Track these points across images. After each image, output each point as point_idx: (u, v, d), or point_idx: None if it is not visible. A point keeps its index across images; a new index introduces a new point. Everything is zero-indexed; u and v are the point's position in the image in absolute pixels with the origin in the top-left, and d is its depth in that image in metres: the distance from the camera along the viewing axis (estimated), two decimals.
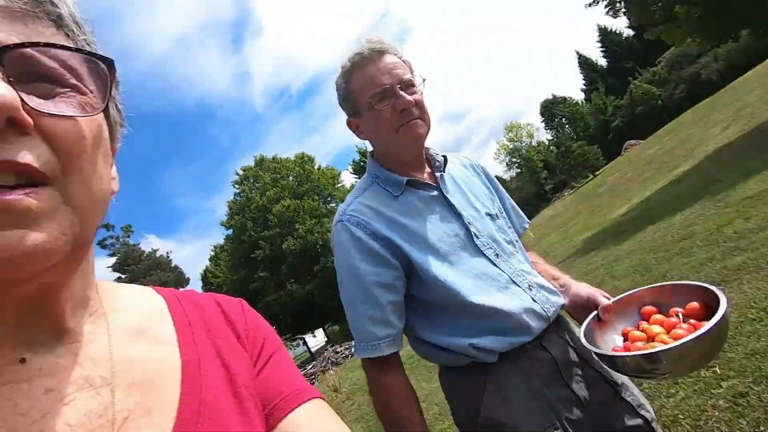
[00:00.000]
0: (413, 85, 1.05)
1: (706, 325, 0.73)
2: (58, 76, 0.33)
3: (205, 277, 37.31)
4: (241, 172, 30.15)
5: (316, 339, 40.15)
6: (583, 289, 1.09)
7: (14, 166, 0.28)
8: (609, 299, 1.01)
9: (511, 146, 49.62)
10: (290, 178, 29.41)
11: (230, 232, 29.38)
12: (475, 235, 1.06)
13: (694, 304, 0.85)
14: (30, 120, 0.29)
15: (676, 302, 0.90)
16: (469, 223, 1.08)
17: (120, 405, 0.36)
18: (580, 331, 0.93)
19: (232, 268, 28.84)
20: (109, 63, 0.35)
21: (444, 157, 1.16)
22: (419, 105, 1.04)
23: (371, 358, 0.96)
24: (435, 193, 1.09)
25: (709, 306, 0.82)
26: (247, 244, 26.76)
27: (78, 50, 0.34)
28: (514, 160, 49.97)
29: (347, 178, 33.92)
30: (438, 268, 0.99)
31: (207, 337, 0.46)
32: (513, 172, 52.00)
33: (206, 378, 0.42)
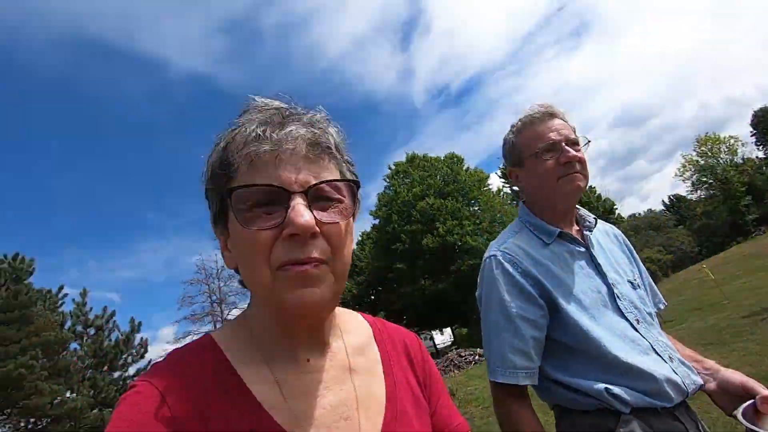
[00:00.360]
0: (577, 144, 1.15)
1: None
2: (331, 195, 0.53)
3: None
4: (393, 167, 32.07)
5: (443, 337, 40.49)
6: (736, 376, 1.06)
7: (315, 259, 0.49)
8: (764, 390, 0.98)
9: (701, 162, 40.98)
10: (438, 176, 30.04)
11: (377, 221, 31.62)
12: (618, 297, 1.10)
13: None
14: (317, 229, 0.50)
15: None
16: (613, 284, 1.11)
17: (362, 391, 0.57)
18: (737, 413, 0.91)
19: (374, 256, 31.01)
20: (357, 183, 0.56)
21: (595, 219, 1.24)
22: (581, 162, 1.13)
23: (506, 384, 1.01)
24: (582, 249, 1.16)
25: None
26: (390, 235, 28.40)
27: (342, 180, 0.54)
28: (705, 179, 41.19)
29: (494, 181, 33.07)
30: (581, 317, 1.03)
31: (397, 361, 0.65)
32: (702, 193, 43.01)
33: (400, 393, 0.60)
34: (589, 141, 1.19)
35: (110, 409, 16.74)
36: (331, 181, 0.51)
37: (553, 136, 1.12)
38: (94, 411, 16.07)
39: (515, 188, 1.27)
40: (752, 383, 1.01)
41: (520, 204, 1.26)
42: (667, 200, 52.94)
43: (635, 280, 1.20)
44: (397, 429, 0.57)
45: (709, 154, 40.82)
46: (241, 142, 0.50)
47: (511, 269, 1.07)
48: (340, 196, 0.53)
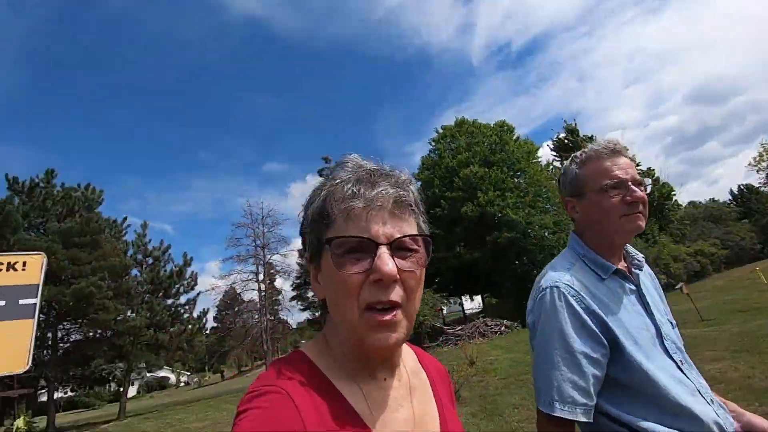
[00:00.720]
0: (641, 184, 1.15)
1: None
2: (410, 246, 0.60)
3: None
4: (440, 131, 31.49)
5: (472, 304, 41.03)
6: (759, 420, 1.10)
7: (394, 302, 0.57)
8: None
9: None
10: (485, 144, 29.25)
11: (419, 184, 31.61)
12: (664, 337, 1.11)
13: None
14: (399, 276, 0.58)
15: None
16: (659, 324, 1.13)
17: (421, 409, 0.67)
18: None
19: None
20: (431, 238, 0.64)
21: (644, 258, 1.26)
22: (644, 203, 1.14)
23: (560, 418, 1.00)
24: (633, 287, 1.17)
25: None
26: (431, 200, 28.32)
27: (420, 235, 0.62)
28: None
29: (544, 153, 31.79)
30: (640, 357, 1.04)
31: (441, 384, 0.77)
32: None
33: (446, 414, 0.70)
34: (651, 182, 1.22)
35: (163, 331, 18.83)
36: (411, 235, 0.60)
37: (620, 174, 1.13)
38: (150, 330, 18.10)
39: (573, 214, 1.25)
40: None
41: (572, 234, 1.26)
42: (735, 190, 48.89)
43: (672, 320, 1.22)
44: None
45: None
46: (339, 197, 0.60)
47: (575, 304, 1.06)
48: (417, 247, 0.61)
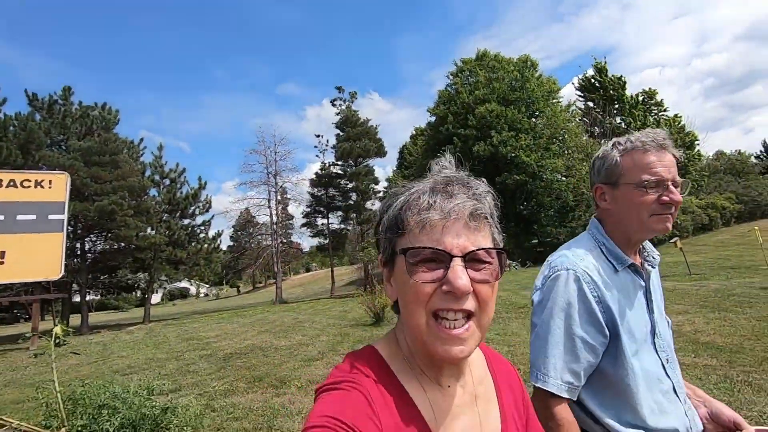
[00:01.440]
0: (678, 186, 1.12)
1: None
2: (484, 258, 0.61)
3: (402, 152, 41.45)
4: (459, 64, 30.13)
5: None
6: (727, 409, 1.16)
7: (466, 311, 0.59)
8: (748, 428, 1.09)
9: None
10: (505, 80, 28.07)
11: (433, 119, 30.99)
12: (657, 335, 1.15)
13: None
14: (471, 289, 0.59)
15: None
16: (656, 321, 1.16)
17: (483, 419, 0.68)
18: None
19: (424, 153, 31.14)
20: (505, 251, 0.64)
21: (659, 255, 1.26)
22: (677, 205, 1.11)
23: (559, 396, 1.05)
24: (642, 283, 1.17)
25: None
26: (443, 135, 27.99)
27: (494, 248, 0.62)
28: None
29: (568, 93, 30.46)
30: (632, 353, 1.08)
31: (506, 392, 0.76)
32: None
33: (508, 423, 0.71)
34: (690, 184, 1.20)
35: (182, 248, 20.22)
36: (485, 249, 0.60)
37: (663, 172, 1.09)
38: (169, 247, 19.46)
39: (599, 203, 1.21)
40: (741, 420, 1.12)
41: (593, 219, 1.25)
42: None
43: (668, 318, 1.25)
44: None
45: None
46: (416, 208, 0.61)
47: (587, 292, 1.08)
48: (490, 260, 0.61)
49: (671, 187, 1.09)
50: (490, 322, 0.63)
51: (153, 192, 20.39)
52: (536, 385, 1.07)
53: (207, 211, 21.36)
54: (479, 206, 0.62)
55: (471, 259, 0.59)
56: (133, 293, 23.97)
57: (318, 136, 27.18)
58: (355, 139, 25.61)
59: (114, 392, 3.42)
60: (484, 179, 0.69)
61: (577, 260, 1.12)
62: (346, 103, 27.02)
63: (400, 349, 0.67)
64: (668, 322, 1.23)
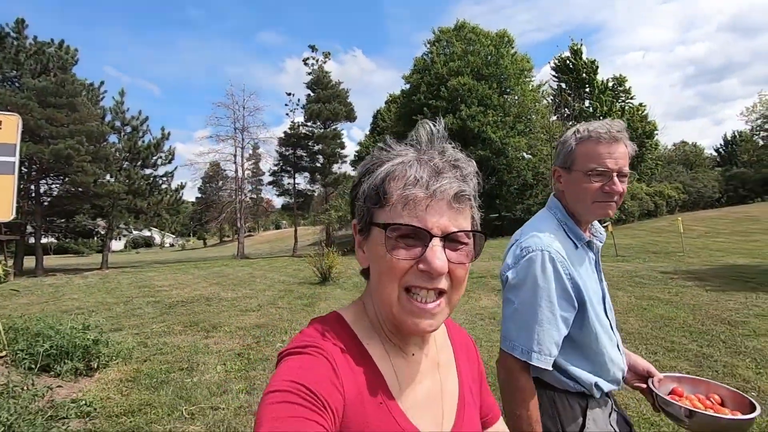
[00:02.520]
0: (626, 176, 1.21)
1: (752, 414, 1.03)
2: (462, 239, 0.61)
3: (375, 117, 41.33)
4: (437, 33, 29.90)
5: None
6: (641, 360, 1.34)
7: (438, 289, 0.59)
8: (658, 374, 1.29)
9: None
10: (480, 54, 28.21)
11: (407, 86, 30.96)
12: (606, 300, 1.29)
13: (717, 397, 1.15)
14: (447, 269, 0.59)
15: (697, 392, 1.22)
16: (605, 289, 1.30)
17: (443, 384, 0.72)
18: (661, 391, 1.20)
19: (396, 120, 31.34)
20: (483, 234, 0.64)
21: (605, 232, 1.38)
22: (621, 195, 1.20)
23: (527, 364, 1.14)
24: (593, 256, 1.30)
25: (725, 405, 1.14)
26: (415, 105, 28.15)
27: (473, 231, 0.62)
28: (763, 129, 37.53)
29: (544, 76, 30.92)
30: (594, 319, 1.20)
31: (463, 360, 0.80)
32: (759, 141, 39.59)
33: (465, 389, 0.75)
34: (632, 173, 1.88)
35: (142, 198, 20.18)
36: (465, 231, 0.60)
37: (610, 164, 1.18)
38: (129, 196, 19.41)
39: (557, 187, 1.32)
40: (653, 368, 1.30)
41: (553, 197, 1.34)
42: (729, 135, 48.37)
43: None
44: (464, 420, 0.71)
45: None
46: (401, 181, 0.59)
47: (561, 271, 1.16)
48: (467, 241, 0.61)
49: (615, 179, 1.18)
50: (459, 300, 0.64)
51: (113, 138, 20.03)
52: (520, 358, 1.14)
53: (170, 162, 21.22)
54: (465, 188, 0.61)
55: (449, 240, 0.59)
56: (93, 239, 23.84)
57: (289, 94, 27.00)
58: (325, 101, 25.48)
59: (50, 324, 4.01)
60: (472, 160, 0.68)
61: (549, 241, 1.19)
62: (319, 63, 26.64)
63: (367, 315, 0.67)
64: (606, 287, 1.39)
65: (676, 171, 38.11)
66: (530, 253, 1.18)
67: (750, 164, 39.18)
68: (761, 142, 38.16)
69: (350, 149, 27.73)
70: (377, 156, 0.65)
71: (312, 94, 26.27)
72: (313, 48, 26.12)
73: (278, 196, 27.18)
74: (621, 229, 24.26)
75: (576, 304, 1.18)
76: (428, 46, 30.16)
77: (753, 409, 1.07)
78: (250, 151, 26.25)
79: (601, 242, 1.34)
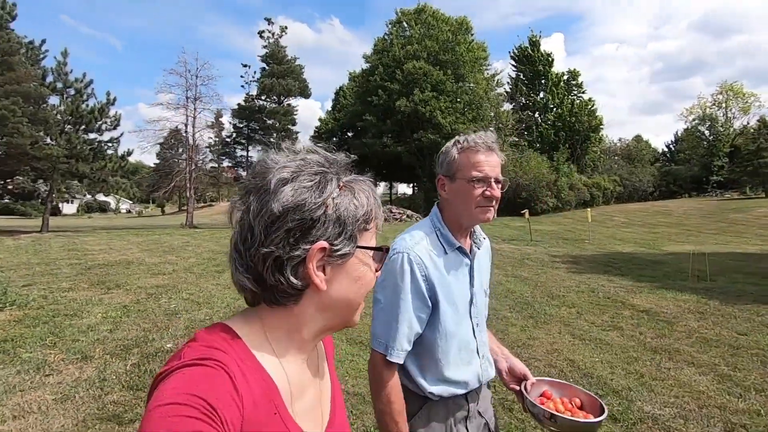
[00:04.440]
0: (500, 182, 1.33)
1: (601, 417, 1.18)
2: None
3: (337, 94, 41.45)
4: (398, 13, 30.26)
5: (408, 190, 44.32)
6: (519, 364, 1.43)
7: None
8: (532, 378, 1.38)
9: (707, 110, 39.64)
10: (438, 39, 28.89)
11: (366, 66, 31.35)
12: (473, 304, 1.38)
13: (577, 401, 1.30)
14: None
15: (563, 395, 1.33)
16: (475, 293, 1.39)
17: (321, 385, 0.74)
18: (528, 396, 1.30)
19: (354, 99, 31.78)
20: (386, 249, 0.70)
21: (485, 238, 1.48)
22: (497, 199, 1.33)
23: (390, 361, 1.23)
24: (468, 261, 1.38)
25: (583, 408, 1.28)
26: (372, 86, 28.69)
27: (376, 248, 0.68)
28: (700, 128, 40.48)
29: (500, 65, 31.91)
30: (447, 320, 1.30)
31: (329, 347, 0.84)
32: (692, 141, 42.46)
33: (334, 383, 0.79)
34: (509, 185, 1.47)
35: (85, 163, 20.01)
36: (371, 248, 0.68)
37: (487, 171, 1.30)
38: (71, 160, 19.27)
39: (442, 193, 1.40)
40: (528, 372, 1.40)
41: (434, 207, 1.43)
42: (680, 133, 50.85)
43: (487, 289, 1.48)
44: (335, 418, 0.74)
45: (722, 104, 39.33)
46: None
47: (417, 272, 1.26)
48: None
49: (493, 184, 1.31)
50: None
51: (54, 100, 19.65)
52: (379, 351, 1.24)
53: (115, 127, 21.02)
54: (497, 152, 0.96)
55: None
56: (36, 201, 23.50)
57: (245, 65, 26.74)
58: (279, 76, 25.65)
59: None
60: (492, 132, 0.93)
61: (413, 243, 1.30)
62: (275, 36, 26.57)
63: (261, 327, 0.65)
64: (486, 292, 1.47)
65: (618, 165, 40.67)
66: (393, 255, 1.29)
67: (684, 162, 42.28)
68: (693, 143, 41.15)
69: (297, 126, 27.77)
70: (331, 173, 0.64)
71: (267, 68, 26.32)
72: (269, 21, 26.01)
73: (231, 167, 27.36)
74: (552, 217, 26.18)
75: (430, 305, 1.28)
76: (389, 26, 30.57)
77: (602, 411, 1.21)
78: (213, 120, 26.13)
79: (479, 248, 1.43)
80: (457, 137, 1.38)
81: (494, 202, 1.32)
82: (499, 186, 1.33)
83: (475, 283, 1.40)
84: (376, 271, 0.67)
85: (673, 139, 48.92)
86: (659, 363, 4.10)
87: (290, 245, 0.59)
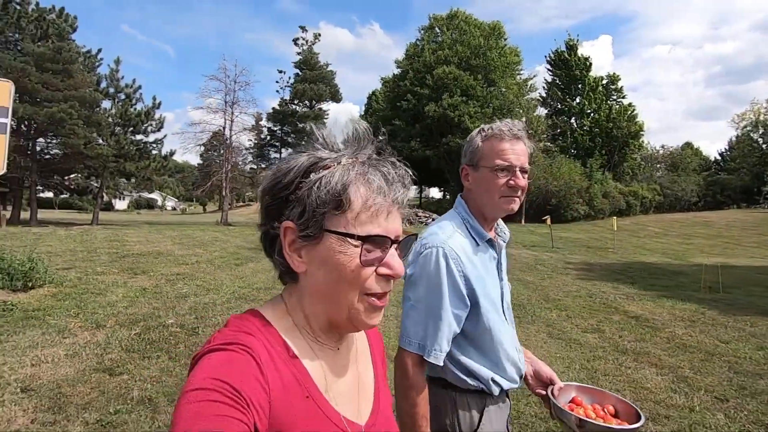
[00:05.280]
0: (527, 172, 1.29)
1: (637, 425, 1.10)
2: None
3: (369, 99, 42.26)
4: (431, 19, 30.59)
5: (439, 195, 44.38)
6: (546, 368, 1.38)
7: (390, 290, 0.65)
8: (559, 383, 1.32)
9: (761, 117, 37.09)
10: (470, 44, 28.95)
11: (398, 71, 31.86)
12: (502, 299, 1.35)
13: (611, 408, 1.22)
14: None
15: (594, 401, 1.26)
16: (504, 287, 1.37)
17: (361, 374, 0.74)
18: (558, 400, 1.24)
19: (385, 105, 32.36)
20: (414, 236, 0.70)
21: (509, 232, 1.45)
22: (523, 189, 1.27)
23: (426, 361, 1.18)
24: (495, 255, 1.35)
25: (617, 415, 1.20)
26: (401, 90, 29.15)
27: (411, 235, 0.68)
28: (753, 135, 37.97)
29: (537, 69, 31.50)
30: (490, 315, 1.25)
31: (376, 352, 0.83)
32: (745, 148, 39.87)
33: (379, 382, 0.78)
34: (531, 169, 1.40)
35: (132, 162, 21.73)
36: (411, 235, 0.68)
37: (512, 159, 1.24)
38: (120, 159, 21.01)
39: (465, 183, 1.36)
40: (555, 377, 1.34)
41: (459, 197, 1.38)
42: (733, 141, 47.99)
43: (507, 282, 1.42)
44: (380, 409, 0.73)
45: None
46: (364, 190, 0.60)
47: (454, 269, 1.20)
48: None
49: (518, 173, 1.25)
50: None
51: (106, 104, 21.49)
52: (414, 352, 1.18)
53: (159, 129, 22.70)
54: (408, 195, 0.66)
55: (402, 246, 0.66)
56: (88, 197, 25.69)
57: (280, 71, 28.01)
58: (311, 81, 26.66)
59: (1, 257, 5.60)
60: (410, 170, 0.68)
61: (446, 237, 1.24)
62: (308, 43, 27.66)
63: (289, 316, 0.66)
64: (509, 286, 1.43)
65: (661, 173, 38.85)
66: (426, 249, 1.23)
67: (734, 171, 39.79)
68: (745, 150, 38.67)
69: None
70: (313, 155, 0.62)
71: (300, 74, 27.44)
72: (303, 29, 27.18)
73: (263, 168, 28.64)
74: (581, 225, 25.50)
75: (468, 302, 1.22)
76: (421, 32, 30.95)
77: (639, 418, 1.13)
78: (253, 123, 27.60)
79: (504, 242, 1.40)
80: (482, 125, 1.34)
81: (519, 192, 1.28)
82: (525, 176, 1.28)
83: (503, 276, 1.38)
84: (376, 262, 0.61)
85: (726, 147, 46.26)
86: (622, 363, 4.23)
87: (269, 224, 0.64)
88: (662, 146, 44.66)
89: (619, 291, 7.97)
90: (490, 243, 1.32)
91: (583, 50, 35.58)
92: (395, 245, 0.62)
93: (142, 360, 3.59)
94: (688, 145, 48.48)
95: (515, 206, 1.27)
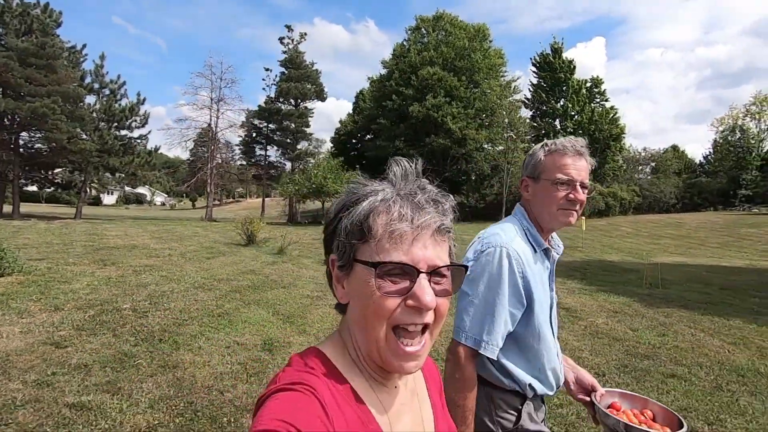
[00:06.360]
0: (587, 188, 1.33)
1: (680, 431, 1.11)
2: (444, 272, 0.62)
3: (357, 98, 42.61)
4: (417, 20, 31.01)
5: None
6: (587, 375, 1.42)
7: (425, 324, 0.60)
8: (601, 389, 1.36)
9: (738, 121, 38.08)
10: (455, 46, 29.43)
11: (384, 72, 32.25)
12: (552, 307, 1.40)
13: (650, 413, 1.25)
14: (436, 303, 0.59)
15: (633, 407, 1.30)
16: (553, 298, 1.42)
17: (422, 413, 0.74)
18: (600, 405, 1.27)
19: (371, 102, 32.74)
20: (465, 268, 0.66)
21: (562, 246, 1.50)
22: (582, 204, 1.32)
23: (480, 354, 1.22)
24: (549, 265, 1.40)
25: (655, 420, 1.23)
26: (387, 90, 29.56)
27: (455, 265, 0.63)
28: (729, 139, 38.93)
29: (518, 73, 32.07)
30: (540, 321, 1.31)
31: (432, 386, 0.82)
32: (722, 152, 40.86)
33: (439, 416, 0.78)
34: (595, 188, 2.28)
35: (116, 157, 21.93)
36: (450, 265, 0.62)
37: (573, 174, 1.29)
38: (103, 155, 21.21)
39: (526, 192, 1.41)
40: (597, 384, 1.38)
41: (518, 206, 1.43)
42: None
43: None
44: None
45: (756, 115, 37.73)
46: (385, 217, 0.60)
47: (516, 269, 1.25)
48: (447, 274, 0.62)
49: (578, 188, 1.30)
50: (438, 335, 0.67)
51: (90, 100, 21.67)
52: (469, 346, 1.23)
53: (144, 125, 22.91)
54: (446, 222, 0.63)
55: (434, 274, 0.61)
56: (73, 191, 25.81)
57: (267, 69, 28.32)
58: (296, 80, 27.01)
59: None
60: (451, 197, 0.68)
61: (508, 239, 1.29)
62: (294, 42, 28.00)
63: (347, 351, 0.67)
64: (557, 298, 1.48)
65: (644, 175, 39.68)
66: (489, 248, 1.28)
67: (712, 174, 40.81)
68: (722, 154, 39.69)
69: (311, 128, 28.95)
70: (354, 191, 0.65)
71: (285, 73, 27.78)
72: (288, 27, 27.51)
73: (249, 165, 28.99)
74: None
75: (525, 302, 1.27)
76: (408, 33, 31.38)
77: (681, 426, 1.15)
78: (243, 120, 27.87)
79: (558, 254, 1.45)
80: (546, 140, 1.41)
81: (578, 206, 1.32)
82: (585, 191, 1.33)
83: (553, 287, 1.42)
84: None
85: (709, 151, 47.37)
86: None
87: (326, 257, 0.68)
88: (644, 149, 45.57)
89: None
90: (546, 253, 1.39)
91: (576, 52, 36.44)
92: (426, 274, 0.59)
93: (88, 337, 4.01)
94: (673, 147, 49.44)
95: (573, 219, 1.33)
